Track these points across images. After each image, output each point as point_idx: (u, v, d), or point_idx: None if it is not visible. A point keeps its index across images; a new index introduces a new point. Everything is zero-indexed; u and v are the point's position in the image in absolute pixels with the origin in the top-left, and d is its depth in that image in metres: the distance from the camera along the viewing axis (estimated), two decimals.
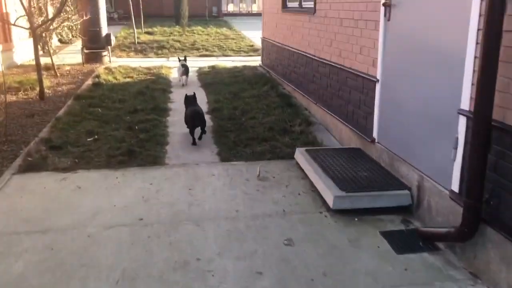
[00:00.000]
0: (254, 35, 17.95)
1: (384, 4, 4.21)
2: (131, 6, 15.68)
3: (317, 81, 6.45)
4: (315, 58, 6.47)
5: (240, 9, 31.39)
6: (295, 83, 7.62)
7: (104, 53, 11.81)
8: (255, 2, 32.49)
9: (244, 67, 10.70)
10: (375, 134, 4.59)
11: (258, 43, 15.56)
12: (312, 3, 6.56)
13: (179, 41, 15.35)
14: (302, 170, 4.65)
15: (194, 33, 17.89)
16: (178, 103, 7.38)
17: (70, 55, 12.69)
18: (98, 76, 9.06)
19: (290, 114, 6.60)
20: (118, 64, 10.95)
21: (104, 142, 5.47)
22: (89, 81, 8.79)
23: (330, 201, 3.81)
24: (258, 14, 30.25)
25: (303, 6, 7.31)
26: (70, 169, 4.72)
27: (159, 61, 12.15)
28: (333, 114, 5.74)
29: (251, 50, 14.29)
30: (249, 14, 30.43)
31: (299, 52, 7.31)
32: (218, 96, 7.70)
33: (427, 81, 3.62)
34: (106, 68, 10.16)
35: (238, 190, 4.27)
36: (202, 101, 7.50)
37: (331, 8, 5.78)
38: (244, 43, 15.61)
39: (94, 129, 5.88)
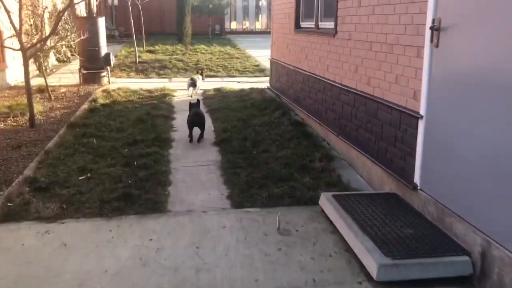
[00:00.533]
0: (259, 54, 17.41)
1: (432, 28, 3.53)
2: (133, 24, 15.11)
3: (338, 110, 5.76)
4: (336, 84, 5.79)
5: (244, 27, 30.97)
6: (310, 110, 6.94)
7: (103, 74, 11.18)
8: (258, 20, 32.14)
9: (252, 89, 10.04)
10: (417, 180, 3.88)
11: (263, 63, 14.99)
12: (333, 24, 5.91)
13: (181, 61, 14.76)
14: (330, 221, 3.93)
15: (197, 51, 17.33)
16: (182, 132, 6.70)
17: (68, 75, 12.06)
18: (95, 100, 8.39)
19: (308, 147, 5.90)
20: (117, 86, 10.30)
21: (97, 181, 4.76)
22: (85, 106, 8.11)
23: (373, 270, 3.07)
24: (262, 32, 30.14)
25: (320, 27, 6.67)
26: (56, 217, 4.00)
27: (161, 82, 11.52)
28: (359, 150, 5.04)
29: (257, 70, 13.69)
30: (253, 32, 30.03)
31: (316, 76, 6.64)
32: (226, 124, 7.00)
33: (498, 124, 2.92)
34: (104, 91, 9.51)
35: (256, 249, 3.53)
36: (209, 130, 6.82)
37: (357, 30, 5.12)
38: (249, 62, 15.01)
39: (87, 165, 5.17)
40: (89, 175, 4.92)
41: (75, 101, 8.76)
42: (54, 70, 13.34)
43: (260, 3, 31.59)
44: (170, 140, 6.31)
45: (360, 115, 5.09)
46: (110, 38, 22.96)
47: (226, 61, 15.32)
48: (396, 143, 4.25)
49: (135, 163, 5.25)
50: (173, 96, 9.38)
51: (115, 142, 6.06)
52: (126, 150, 5.76)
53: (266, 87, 10.17)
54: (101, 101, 8.27)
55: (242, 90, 9.94)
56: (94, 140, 6.07)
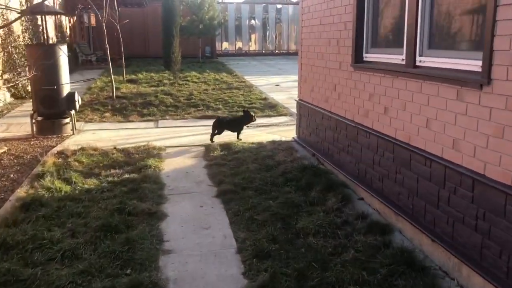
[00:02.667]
0: (261, 83, 14.65)
1: None
2: (108, 50, 12.09)
3: (500, 237, 2.87)
4: (493, 184, 2.91)
5: (236, 48, 28.18)
6: (401, 205, 4.04)
7: (65, 121, 8.18)
8: (251, 40, 29.42)
9: (274, 144, 7.08)
10: None
11: (271, 95, 12.14)
12: (476, 62, 3.05)
13: (170, 94, 11.82)
14: None
15: (188, 80, 14.41)
16: (181, 257, 3.72)
17: (21, 119, 9.05)
18: (40, 177, 5.34)
19: None
20: (83, 140, 7.32)
21: None
22: (22, 191, 5.04)
23: None
24: (257, 54, 27.19)
25: (423, 64, 3.79)
26: None
27: (144, 128, 8.61)
28: None
29: (266, 106, 10.81)
30: (247, 54, 27.24)
31: (419, 153, 3.76)
32: (256, 234, 4.01)
33: None
34: (59, 154, 6.44)
35: None
36: (227, 248, 3.86)
37: None
38: (254, 95, 12.14)
39: None
40: None
41: (11, 175, 5.70)
42: (5, 111, 10.29)
43: (253, 22, 28.92)
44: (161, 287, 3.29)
45: None
46: (87, 64, 20.12)
47: (225, 93, 12.42)
48: None
49: None
50: (161, 160, 6.35)
51: None
52: None
53: (292, 139, 7.26)
54: (49, 179, 5.22)
55: (260, 146, 6.96)
56: None
